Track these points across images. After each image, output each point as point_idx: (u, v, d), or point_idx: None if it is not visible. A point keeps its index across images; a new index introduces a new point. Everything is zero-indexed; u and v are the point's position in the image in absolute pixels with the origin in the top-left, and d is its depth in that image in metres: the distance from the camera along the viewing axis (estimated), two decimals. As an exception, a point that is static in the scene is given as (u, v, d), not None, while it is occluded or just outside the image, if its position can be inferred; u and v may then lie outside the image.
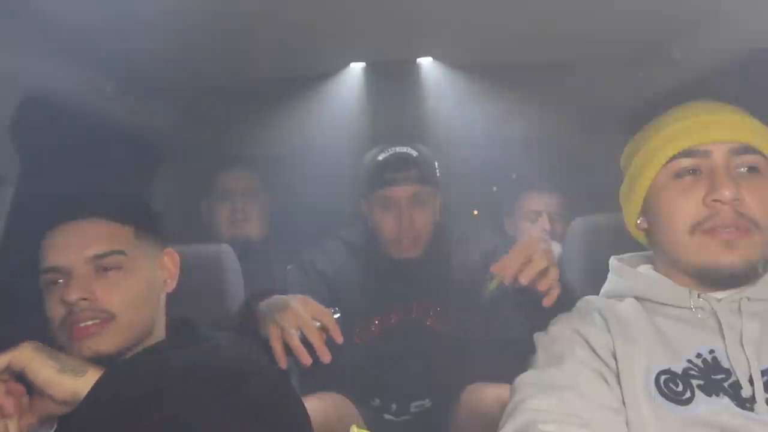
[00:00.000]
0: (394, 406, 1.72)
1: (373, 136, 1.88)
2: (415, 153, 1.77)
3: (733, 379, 0.90)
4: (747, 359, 0.91)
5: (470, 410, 1.49)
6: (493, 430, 0.95)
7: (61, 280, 1.06)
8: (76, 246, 1.07)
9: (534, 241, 1.24)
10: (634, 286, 1.07)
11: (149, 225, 1.18)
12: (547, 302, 1.14)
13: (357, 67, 1.86)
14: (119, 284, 1.08)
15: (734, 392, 0.89)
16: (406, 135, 1.90)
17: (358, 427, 1.40)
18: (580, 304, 1.13)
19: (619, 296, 1.08)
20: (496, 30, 1.58)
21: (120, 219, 1.13)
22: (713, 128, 1.02)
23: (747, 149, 0.99)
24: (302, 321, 1.17)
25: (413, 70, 1.85)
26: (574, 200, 2.07)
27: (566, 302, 1.12)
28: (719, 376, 0.91)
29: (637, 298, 1.05)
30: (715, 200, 0.97)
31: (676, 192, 1.02)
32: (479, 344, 1.65)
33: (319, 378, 1.54)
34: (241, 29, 1.50)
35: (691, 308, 1.00)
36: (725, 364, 0.92)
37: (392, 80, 1.93)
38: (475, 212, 2.58)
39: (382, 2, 1.40)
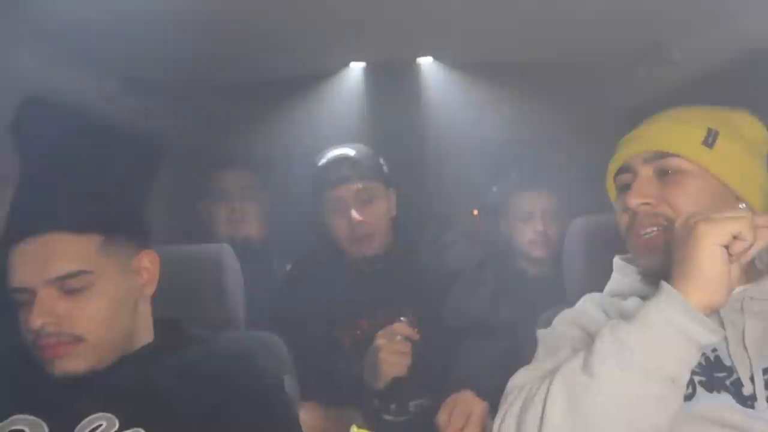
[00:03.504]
0: (393, 406, 1.72)
1: (373, 136, 1.88)
2: (352, 152, 1.74)
3: (734, 377, 0.91)
4: (749, 357, 0.92)
5: None
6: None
7: (26, 302, 1.00)
8: (38, 265, 1.00)
9: (477, 408, 1.29)
10: (637, 284, 1.07)
11: (119, 230, 1.09)
12: None
13: (357, 67, 1.86)
14: (85, 307, 1.01)
15: (735, 390, 0.90)
16: (406, 135, 1.90)
17: (358, 426, 1.41)
18: (583, 300, 1.13)
19: (623, 295, 1.08)
20: (495, 30, 1.58)
21: (84, 229, 1.03)
22: (632, 142, 1.08)
23: (660, 155, 1.03)
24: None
25: (413, 70, 1.86)
26: (571, 200, 2.07)
27: None
28: (721, 374, 0.92)
29: (641, 297, 1.05)
30: (628, 209, 1.04)
31: (618, 205, 1.09)
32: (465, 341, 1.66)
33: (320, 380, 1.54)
34: (240, 30, 1.50)
35: None
36: (727, 362, 0.92)
37: (392, 80, 1.93)
38: (475, 212, 2.58)
39: (382, 2, 1.40)
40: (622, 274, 1.11)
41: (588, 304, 1.11)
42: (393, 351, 1.40)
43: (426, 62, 1.83)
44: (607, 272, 1.15)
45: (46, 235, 1.01)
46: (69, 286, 1.00)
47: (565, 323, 1.07)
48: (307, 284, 1.78)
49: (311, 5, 1.40)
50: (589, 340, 1.01)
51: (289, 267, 1.95)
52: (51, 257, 1.00)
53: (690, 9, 1.41)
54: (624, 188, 1.08)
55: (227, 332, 1.34)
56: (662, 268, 0.97)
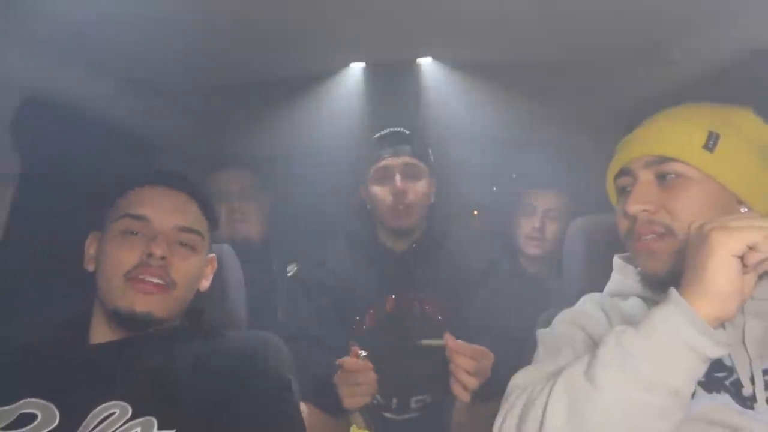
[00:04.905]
0: (394, 402, 1.72)
1: (373, 136, 1.89)
2: (407, 131, 1.80)
3: (734, 377, 0.91)
4: (749, 358, 0.91)
5: (471, 409, 1.49)
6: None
7: (137, 232, 1.12)
8: (169, 210, 1.15)
9: (487, 357, 1.33)
10: (637, 284, 1.07)
11: (215, 228, 1.26)
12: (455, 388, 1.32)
13: (357, 67, 1.86)
14: (189, 259, 1.16)
15: (735, 390, 0.90)
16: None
17: (358, 427, 1.41)
18: (583, 300, 1.13)
19: (623, 295, 1.08)
20: (495, 30, 1.58)
21: (205, 208, 1.22)
22: (632, 144, 1.06)
23: (660, 160, 1.01)
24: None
25: (413, 70, 1.86)
26: (574, 200, 2.07)
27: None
28: (721, 374, 0.91)
29: (641, 297, 1.05)
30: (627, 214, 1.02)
31: (618, 209, 1.08)
32: (477, 333, 1.65)
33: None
34: (240, 30, 1.51)
35: None
36: (727, 362, 0.92)
37: (392, 80, 1.93)
38: (475, 212, 2.58)
39: (381, 2, 1.40)
40: (623, 274, 1.11)
41: (588, 304, 1.11)
42: (353, 383, 1.35)
43: (426, 62, 1.83)
44: (607, 272, 1.16)
45: (179, 192, 1.18)
46: (184, 238, 1.16)
47: (564, 323, 1.07)
48: (339, 274, 1.80)
49: (311, 5, 1.40)
50: (588, 340, 1.01)
51: (293, 267, 1.95)
52: (181, 209, 1.17)
53: (690, 9, 1.41)
54: (623, 191, 1.07)
55: (231, 331, 1.35)
56: (665, 273, 0.97)
